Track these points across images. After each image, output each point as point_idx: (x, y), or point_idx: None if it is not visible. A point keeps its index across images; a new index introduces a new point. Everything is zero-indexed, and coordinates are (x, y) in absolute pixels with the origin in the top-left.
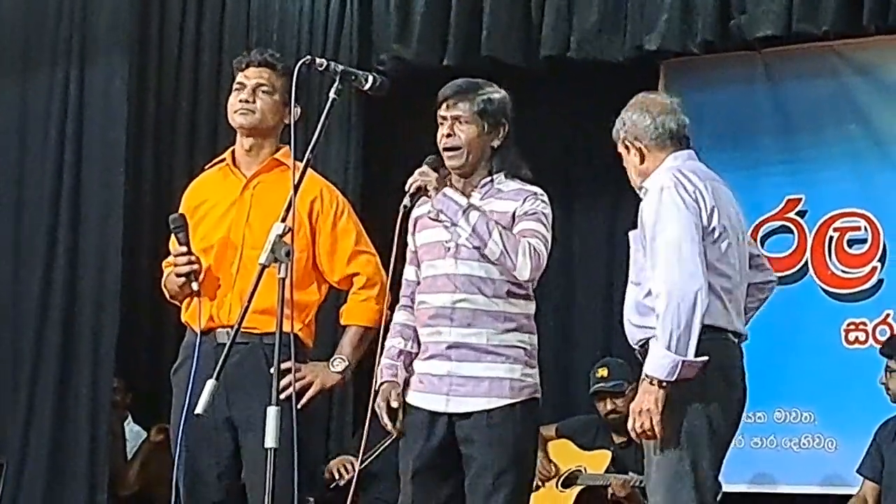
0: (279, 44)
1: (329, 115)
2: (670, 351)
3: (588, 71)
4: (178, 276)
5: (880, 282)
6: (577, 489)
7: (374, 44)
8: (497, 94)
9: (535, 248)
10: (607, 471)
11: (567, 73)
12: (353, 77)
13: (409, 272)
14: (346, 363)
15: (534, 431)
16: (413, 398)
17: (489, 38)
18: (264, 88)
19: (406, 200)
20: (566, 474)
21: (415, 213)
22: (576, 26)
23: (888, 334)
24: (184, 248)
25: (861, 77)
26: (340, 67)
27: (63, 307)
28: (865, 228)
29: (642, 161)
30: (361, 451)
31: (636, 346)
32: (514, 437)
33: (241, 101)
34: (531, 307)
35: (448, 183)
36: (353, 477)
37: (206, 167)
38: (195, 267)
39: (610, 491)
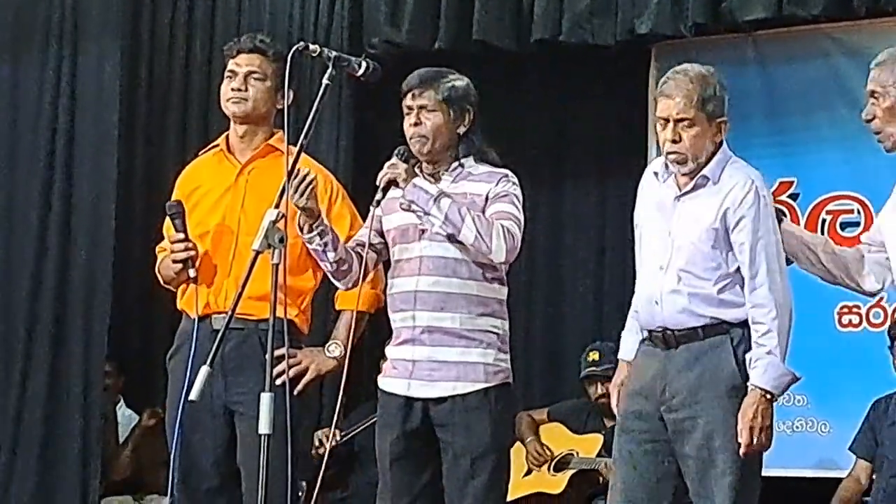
0: (270, 28)
1: (322, 100)
2: (784, 366)
3: (579, 54)
4: (175, 262)
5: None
6: (569, 473)
7: (366, 28)
8: (460, 81)
9: (508, 230)
10: (599, 454)
11: (558, 57)
12: (345, 63)
13: (361, 233)
14: (342, 348)
15: (509, 416)
16: (387, 384)
17: (480, 21)
18: (256, 75)
19: (378, 195)
20: (558, 458)
21: (393, 194)
22: (567, 10)
23: (882, 317)
24: (181, 235)
25: (852, 60)
26: (333, 53)
27: (55, 291)
28: (858, 211)
29: None
30: (332, 429)
31: (680, 331)
32: (489, 421)
33: (232, 89)
34: (504, 291)
35: (418, 172)
36: (333, 447)
37: (200, 153)
38: (192, 253)
39: (601, 475)
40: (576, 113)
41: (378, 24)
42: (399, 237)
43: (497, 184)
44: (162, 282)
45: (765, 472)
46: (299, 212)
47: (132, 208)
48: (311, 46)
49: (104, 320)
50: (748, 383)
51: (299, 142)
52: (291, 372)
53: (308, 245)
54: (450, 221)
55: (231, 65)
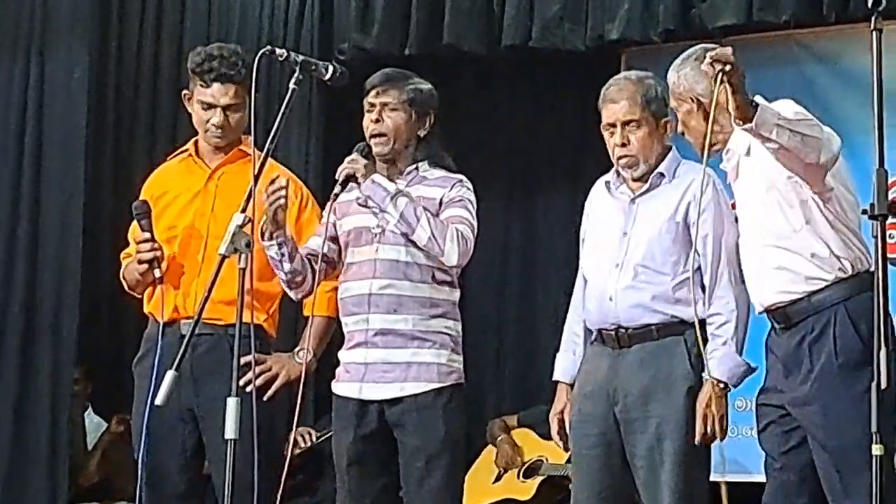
0: (240, 33)
1: (289, 105)
2: (740, 357)
3: (550, 60)
4: (141, 262)
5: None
6: (538, 479)
7: (335, 33)
8: (425, 85)
9: (462, 234)
10: (568, 461)
11: (529, 62)
12: (312, 67)
13: (313, 242)
14: (311, 354)
15: (462, 416)
16: (340, 388)
17: (450, 26)
18: (234, 107)
19: (336, 189)
20: (528, 464)
21: (340, 198)
22: (538, 15)
23: None
24: (147, 235)
25: (822, 66)
26: (300, 58)
27: (23, 297)
28: None
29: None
30: (292, 437)
31: (634, 328)
32: (443, 421)
33: (216, 126)
34: (456, 294)
35: (377, 170)
36: (305, 448)
37: (168, 157)
38: (158, 254)
39: (570, 481)
40: (547, 118)
41: (347, 30)
42: (352, 240)
43: (451, 188)
44: (127, 287)
45: (732, 478)
46: (265, 217)
47: (101, 214)
48: (278, 51)
49: (72, 327)
50: (703, 374)
51: (266, 146)
52: (261, 379)
53: (266, 252)
54: (405, 220)
55: (206, 96)
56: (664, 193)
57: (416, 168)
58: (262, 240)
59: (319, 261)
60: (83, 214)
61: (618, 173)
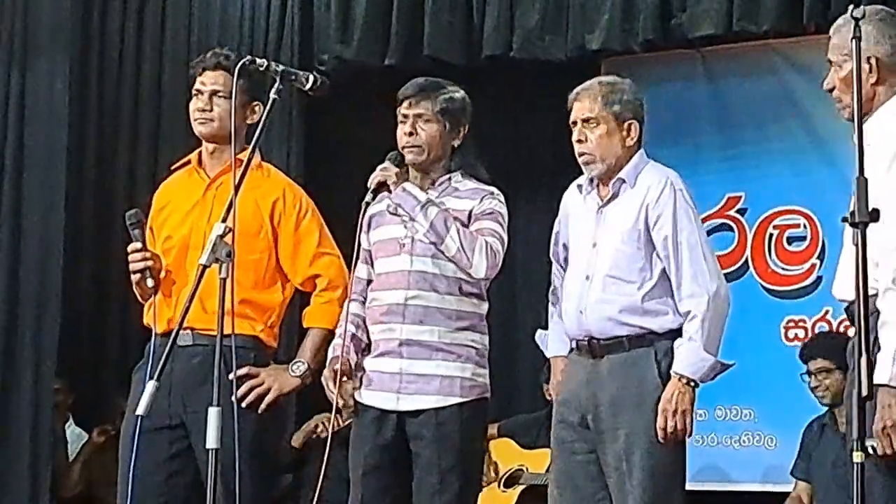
0: (220, 44)
1: (270, 115)
2: (708, 353)
3: (530, 70)
4: (134, 272)
5: (819, 279)
6: (518, 489)
7: (316, 44)
8: (458, 93)
9: (491, 247)
10: (548, 469)
11: (510, 73)
12: (293, 77)
13: (360, 270)
14: (306, 367)
15: (482, 431)
16: (363, 396)
17: (431, 37)
18: (220, 93)
19: (368, 196)
20: (508, 474)
21: (370, 210)
22: (518, 26)
23: (827, 331)
24: (138, 245)
25: (801, 75)
26: (281, 68)
27: (4, 309)
28: (805, 226)
29: None
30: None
31: (605, 340)
32: (461, 436)
33: (198, 109)
34: (484, 307)
35: (409, 178)
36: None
37: (173, 168)
38: (150, 263)
39: None
40: (527, 128)
41: (328, 41)
42: (380, 251)
43: (481, 201)
44: (140, 299)
45: (714, 487)
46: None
47: (82, 225)
48: (259, 60)
49: (53, 338)
50: (671, 370)
51: (247, 154)
52: (253, 394)
53: None
54: (434, 230)
55: (197, 83)
56: (626, 201)
57: (449, 179)
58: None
59: (367, 288)
60: (64, 226)
61: (591, 179)
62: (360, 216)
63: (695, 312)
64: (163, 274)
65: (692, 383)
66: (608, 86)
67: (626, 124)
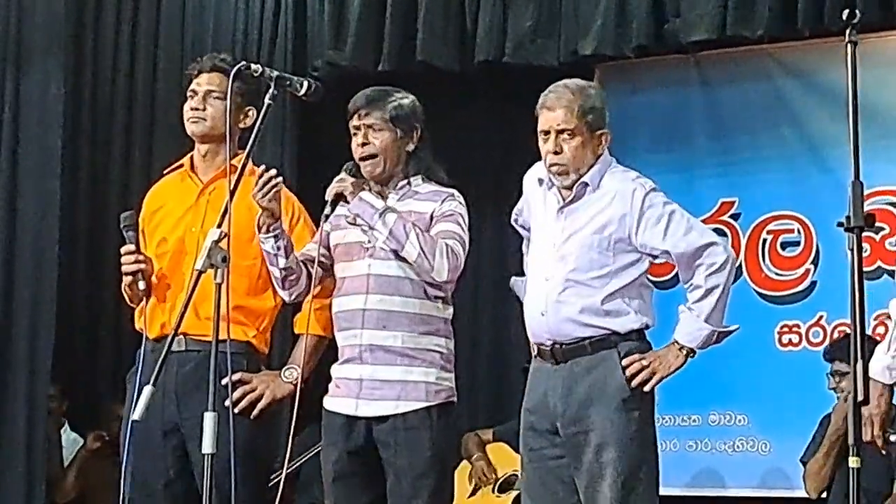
0: (214, 50)
1: (264, 120)
2: (709, 323)
3: (523, 75)
4: (126, 274)
5: (813, 284)
6: (513, 494)
7: (309, 49)
8: (406, 99)
9: (452, 249)
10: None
11: (502, 78)
12: (287, 82)
13: (309, 247)
14: (298, 373)
15: (451, 435)
16: (330, 403)
17: (424, 43)
18: (215, 94)
19: (326, 209)
20: (503, 479)
21: (336, 212)
22: (511, 31)
23: (821, 336)
24: (131, 247)
25: (795, 80)
26: (275, 73)
27: None
28: (798, 231)
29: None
30: (288, 454)
31: (568, 343)
32: (430, 440)
33: (192, 108)
34: (449, 311)
35: (365, 188)
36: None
37: (165, 172)
38: (142, 266)
39: None
40: (520, 133)
41: (321, 46)
42: (343, 255)
43: (442, 203)
44: (128, 301)
45: (708, 492)
46: (260, 211)
47: (76, 230)
48: (253, 66)
49: (48, 343)
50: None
51: (241, 160)
52: (245, 400)
53: (262, 246)
54: (394, 237)
55: (192, 85)
56: (588, 204)
57: (409, 183)
58: (259, 232)
59: (315, 264)
60: (58, 232)
61: (540, 180)
62: (320, 230)
63: (697, 283)
64: (155, 279)
65: (684, 350)
66: (581, 95)
67: (598, 134)
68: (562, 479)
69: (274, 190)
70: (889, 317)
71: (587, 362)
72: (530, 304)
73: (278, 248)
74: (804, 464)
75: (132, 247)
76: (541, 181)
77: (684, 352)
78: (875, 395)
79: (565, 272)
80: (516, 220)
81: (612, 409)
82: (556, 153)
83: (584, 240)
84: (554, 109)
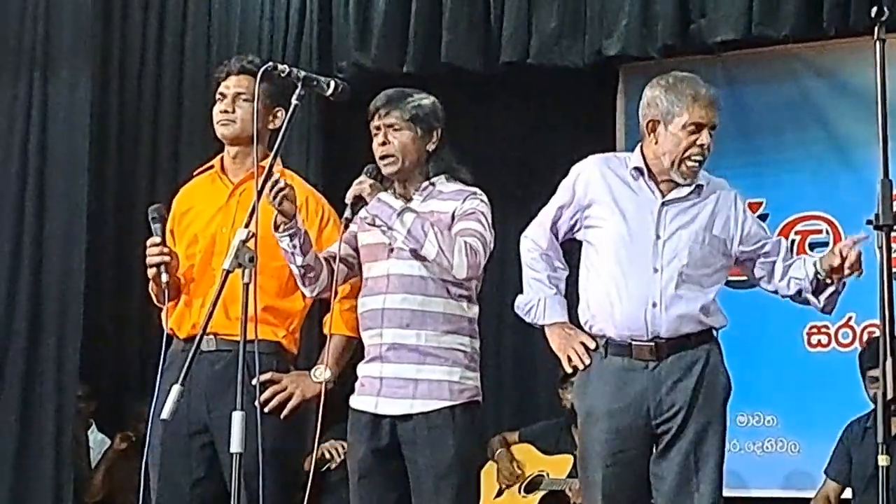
0: (240, 52)
1: (291, 120)
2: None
3: (548, 76)
4: (150, 266)
5: (843, 285)
6: (539, 494)
7: (334, 51)
8: (426, 99)
9: (471, 247)
10: (569, 475)
11: (527, 79)
12: (314, 83)
13: (332, 246)
14: (328, 373)
15: (475, 435)
16: (356, 402)
17: (449, 44)
18: (244, 97)
19: (347, 213)
20: (529, 479)
21: (360, 214)
22: (535, 32)
23: (850, 337)
24: (157, 239)
25: (821, 80)
26: (302, 73)
27: (27, 316)
28: (827, 231)
29: None
30: (314, 454)
31: (666, 338)
32: (453, 439)
33: (221, 112)
34: (473, 310)
35: (386, 189)
36: (342, 461)
37: (195, 173)
38: (166, 258)
39: (570, 496)
40: (545, 134)
41: (347, 48)
42: (368, 255)
43: (464, 201)
44: (155, 300)
45: (736, 493)
46: (276, 211)
47: (103, 233)
48: (280, 66)
49: (76, 344)
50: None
51: (268, 161)
52: (276, 400)
53: (280, 245)
54: (412, 236)
55: (221, 87)
56: (701, 205)
57: (432, 183)
58: (275, 231)
59: (337, 261)
60: (86, 233)
61: (648, 170)
62: (342, 232)
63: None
64: (182, 278)
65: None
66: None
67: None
68: (640, 478)
69: (281, 194)
70: None
71: (691, 356)
72: (627, 295)
73: (294, 247)
74: (826, 475)
75: (158, 238)
76: (639, 172)
77: None
78: None
79: (678, 266)
80: (558, 218)
81: (717, 403)
82: (708, 147)
83: (698, 236)
84: (714, 106)
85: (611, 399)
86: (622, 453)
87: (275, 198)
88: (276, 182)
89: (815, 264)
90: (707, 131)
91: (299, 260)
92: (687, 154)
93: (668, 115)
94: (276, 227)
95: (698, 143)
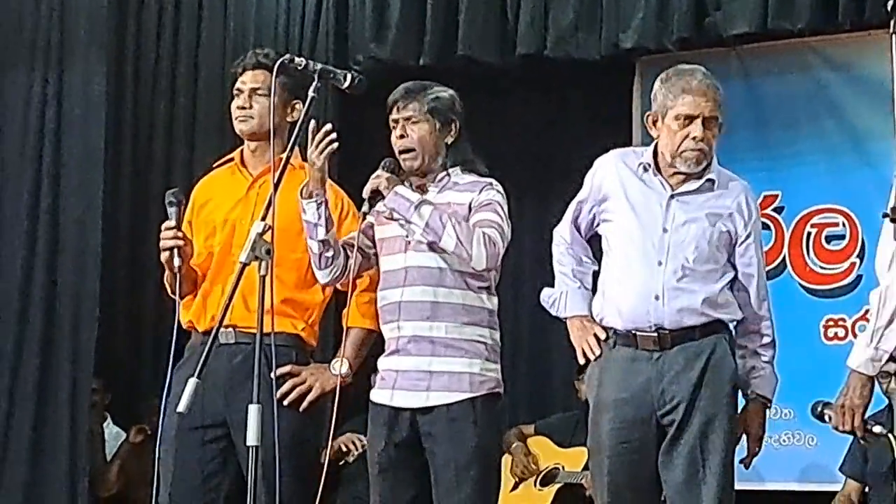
0: (256, 45)
1: (308, 113)
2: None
3: (564, 69)
4: (163, 249)
5: (859, 277)
6: (555, 487)
7: (351, 44)
8: (444, 92)
9: (490, 238)
10: (585, 468)
11: (543, 72)
12: (331, 75)
13: (350, 235)
14: (347, 365)
15: (496, 426)
16: (375, 395)
17: (465, 37)
18: (260, 91)
19: (364, 206)
20: (544, 472)
21: (377, 207)
22: (551, 25)
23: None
24: (172, 223)
25: (836, 73)
26: (319, 66)
27: (42, 309)
28: (843, 224)
29: None
30: (329, 446)
31: (670, 329)
32: (474, 431)
33: (238, 107)
34: (493, 301)
35: (404, 182)
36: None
37: (215, 165)
38: (180, 242)
39: (586, 489)
40: (561, 127)
41: (363, 41)
42: (385, 249)
43: (480, 192)
44: (169, 291)
45: (752, 486)
46: (309, 173)
47: (118, 226)
48: (297, 59)
49: (91, 338)
50: (751, 391)
51: (285, 154)
52: (295, 392)
53: (303, 215)
54: (430, 229)
55: (238, 83)
56: (712, 199)
57: (448, 174)
58: (302, 197)
59: (355, 250)
60: (101, 227)
61: (655, 165)
62: (360, 225)
63: (772, 337)
64: (200, 272)
65: (769, 405)
66: (719, 87)
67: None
68: (649, 469)
69: (330, 147)
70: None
71: (696, 347)
72: (633, 286)
73: (319, 217)
74: (843, 473)
75: (172, 222)
76: (647, 166)
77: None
78: (858, 386)
79: (682, 259)
80: (578, 213)
81: (724, 395)
82: (702, 140)
83: (704, 230)
84: (707, 97)
85: (617, 389)
86: (628, 443)
87: (321, 151)
88: (327, 133)
89: (748, 389)
90: (699, 123)
91: (321, 233)
92: (681, 147)
93: (663, 108)
94: (305, 194)
95: (691, 135)
